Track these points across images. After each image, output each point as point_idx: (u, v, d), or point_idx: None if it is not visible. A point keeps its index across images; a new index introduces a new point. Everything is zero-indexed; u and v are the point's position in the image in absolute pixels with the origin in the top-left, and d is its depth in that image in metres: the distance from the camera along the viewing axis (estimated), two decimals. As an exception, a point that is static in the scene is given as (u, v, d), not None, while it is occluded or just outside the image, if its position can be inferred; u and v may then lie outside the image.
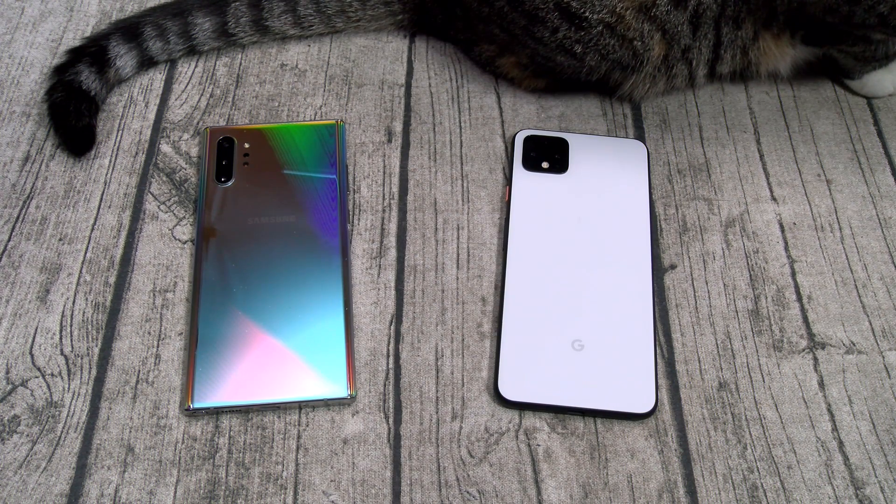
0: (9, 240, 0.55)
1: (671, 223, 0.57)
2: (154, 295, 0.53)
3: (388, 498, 0.47)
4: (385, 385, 0.51)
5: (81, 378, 0.50)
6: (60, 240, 0.56)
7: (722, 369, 0.51)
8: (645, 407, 0.49)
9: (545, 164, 0.58)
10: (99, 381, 0.50)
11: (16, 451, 0.48)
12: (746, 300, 0.54)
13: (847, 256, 0.56)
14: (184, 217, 0.57)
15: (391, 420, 0.49)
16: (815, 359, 0.52)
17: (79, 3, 0.68)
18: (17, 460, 0.47)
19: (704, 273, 0.55)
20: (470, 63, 0.65)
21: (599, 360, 0.50)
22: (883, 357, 0.52)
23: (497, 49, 0.62)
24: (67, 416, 0.49)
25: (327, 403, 0.49)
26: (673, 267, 0.55)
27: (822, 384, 0.51)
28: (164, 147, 0.60)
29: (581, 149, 0.59)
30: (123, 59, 0.62)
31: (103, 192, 0.58)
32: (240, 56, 0.65)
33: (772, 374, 0.51)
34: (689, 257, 0.56)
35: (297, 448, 0.48)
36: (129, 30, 0.62)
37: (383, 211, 0.57)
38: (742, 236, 0.57)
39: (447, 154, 0.60)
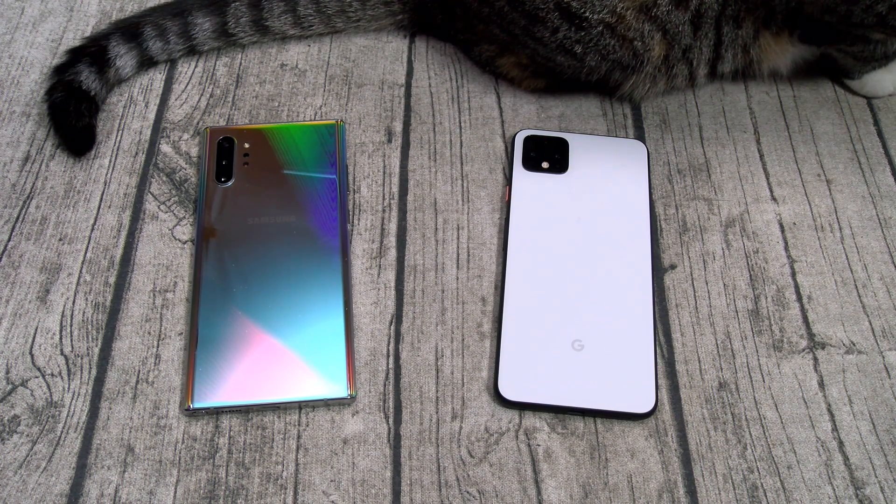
0: (9, 240, 0.55)
1: (671, 223, 0.57)
2: (154, 295, 0.53)
3: (388, 498, 0.47)
4: (385, 385, 0.51)
5: (81, 378, 0.50)
6: (60, 240, 0.56)
7: (722, 369, 0.51)
8: (645, 407, 0.49)
9: (545, 164, 0.58)
10: (99, 381, 0.50)
11: (16, 451, 0.48)
12: (746, 300, 0.54)
13: (847, 256, 0.56)
14: (184, 217, 0.57)
15: (391, 420, 0.49)
16: (815, 359, 0.52)
17: (79, 3, 0.68)
18: (17, 460, 0.47)
19: (704, 273, 0.55)
20: (470, 63, 0.65)
21: (599, 360, 0.50)
22: (883, 357, 0.52)
23: (497, 49, 0.62)
24: (67, 416, 0.49)
25: (327, 403, 0.49)
26: (673, 267, 0.55)
27: (822, 384, 0.51)
28: (164, 147, 0.60)
29: (581, 149, 0.59)
30: (123, 59, 0.62)
31: (103, 192, 0.58)
32: (240, 56, 0.65)
33: (772, 374, 0.51)
34: (689, 257, 0.56)
35: (297, 448, 0.48)
36: (129, 30, 0.62)
37: (383, 211, 0.57)
38: (742, 236, 0.57)
39: (447, 154, 0.60)
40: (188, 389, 0.49)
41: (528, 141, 0.59)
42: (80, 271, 0.54)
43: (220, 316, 0.51)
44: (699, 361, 0.52)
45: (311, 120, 0.61)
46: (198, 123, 0.61)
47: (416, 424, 0.49)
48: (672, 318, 0.53)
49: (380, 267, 0.55)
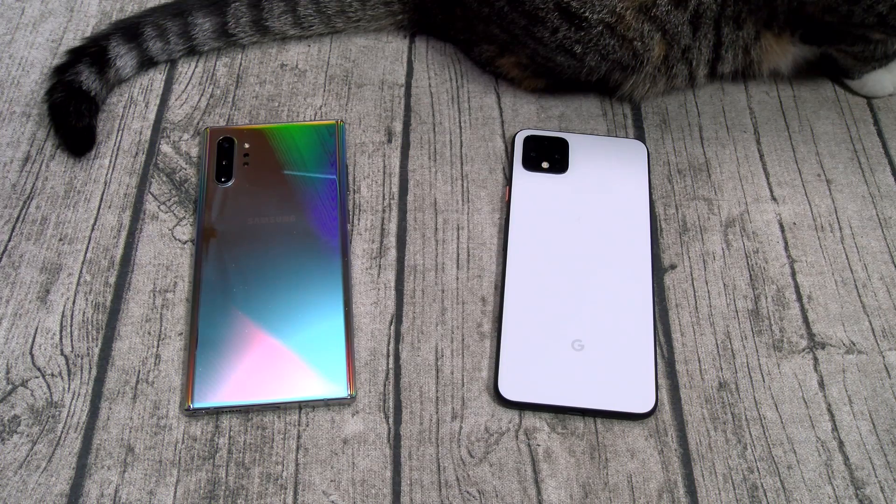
0: (9, 240, 0.55)
1: (671, 223, 0.57)
2: (154, 295, 0.53)
3: (388, 498, 0.47)
4: (385, 385, 0.51)
5: (81, 378, 0.50)
6: (60, 240, 0.56)
7: (722, 369, 0.51)
8: (645, 407, 0.49)
9: (545, 164, 0.58)
10: (99, 381, 0.50)
11: (16, 451, 0.48)
12: (746, 300, 0.54)
13: (847, 256, 0.56)
14: (184, 217, 0.57)
15: (391, 420, 0.49)
16: (815, 359, 0.52)
17: (79, 3, 0.68)
18: (17, 460, 0.47)
19: (704, 273, 0.55)
20: (470, 63, 0.65)
21: (599, 360, 0.50)
22: (883, 357, 0.52)
23: (497, 49, 0.62)
24: (67, 416, 0.49)
25: (327, 403, 0.49)
26: (673, 267, 0.55)
27: (822, 384, 0.51)
28: (164, 147, 0.60)
29: (581, 149, 0.59)
30: (123, 59, 0.62)
31: (103, 193, 0.58)
32: (240, 56, 0.65)
33: (772, 374, 0.51)
34: (689, 257, 0.56)
35: (297, 448, 0.48)
36: (130, 30, 0.62)
37: (383, 211, 0.57)
38: (742, 236, 0.57)
39: (447, 154, 0.60)
40: (188, 389, 0.49)
41: (528, 141, 0.59)
42: (81, 271, 0.54)
43: (220, 316, 0.51)
44: (699, 361, 0.52)
45: (311, 120, 0.61)
46: (198, 123, 0.61)
47: (416, 424, 0.49)
48: (672, 318, 0.53)
49: (380, 267, 0.55)
